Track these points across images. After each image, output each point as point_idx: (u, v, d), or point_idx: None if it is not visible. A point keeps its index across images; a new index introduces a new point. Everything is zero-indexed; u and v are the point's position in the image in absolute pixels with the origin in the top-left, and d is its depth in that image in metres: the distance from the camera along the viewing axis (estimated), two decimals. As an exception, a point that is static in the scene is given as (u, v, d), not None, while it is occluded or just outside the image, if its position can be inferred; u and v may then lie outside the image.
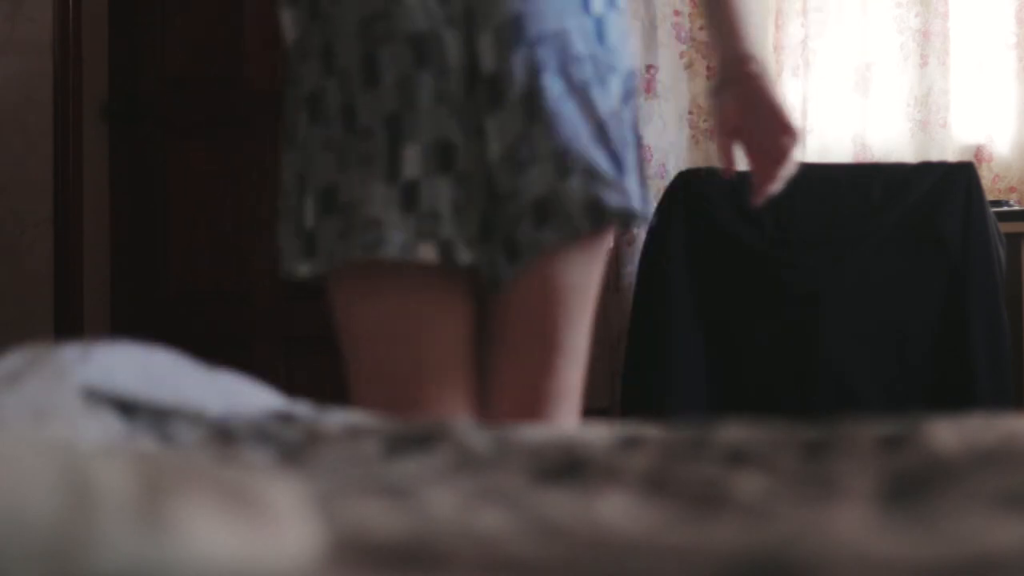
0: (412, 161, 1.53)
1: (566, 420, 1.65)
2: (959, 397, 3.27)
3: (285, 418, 1.23)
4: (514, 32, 1.54)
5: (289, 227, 1.61)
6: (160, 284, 4.49)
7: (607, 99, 1.61)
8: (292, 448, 1.12)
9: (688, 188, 3.46)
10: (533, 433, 1.11)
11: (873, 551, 0.71)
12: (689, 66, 4.40)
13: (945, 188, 3.33)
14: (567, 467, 0.99)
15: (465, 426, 1.13)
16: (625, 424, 1.14)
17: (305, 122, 1.61)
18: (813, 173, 3.54)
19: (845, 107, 4.33)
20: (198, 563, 0.66)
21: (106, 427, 1.17)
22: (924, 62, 4.27)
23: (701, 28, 4.39)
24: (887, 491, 0.89)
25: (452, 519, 0.83)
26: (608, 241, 1.63)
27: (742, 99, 1.69)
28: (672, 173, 4.02)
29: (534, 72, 1.55)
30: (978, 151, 4.27)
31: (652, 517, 0.84)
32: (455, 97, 1.55)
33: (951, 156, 4.15)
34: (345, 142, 1.57)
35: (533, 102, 1.55)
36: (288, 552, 0.70)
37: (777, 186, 1.72)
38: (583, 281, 1.60)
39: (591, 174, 1.56)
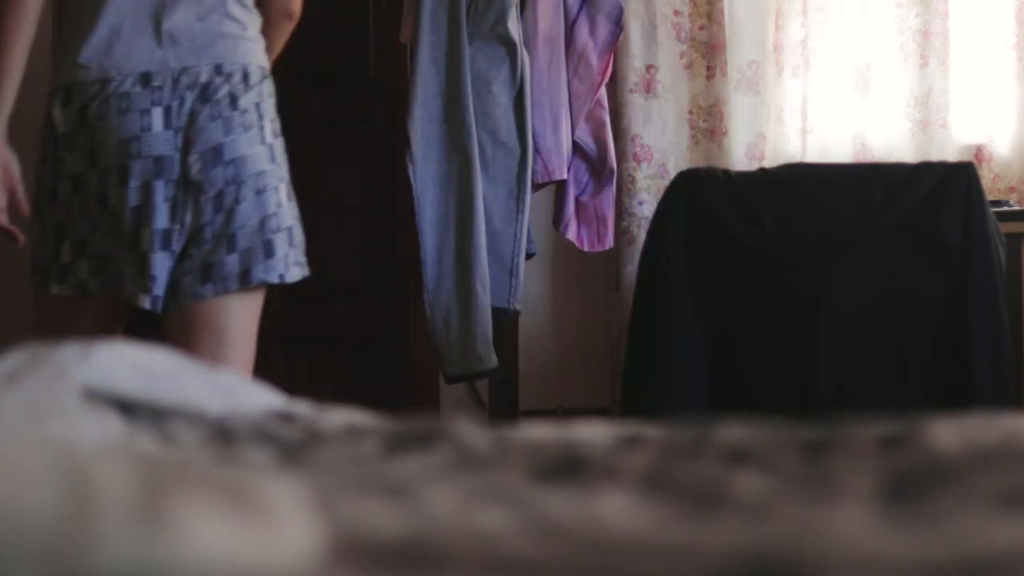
0: (146, 240, 2.33)
1: None
2: (959, 397, 3.26)
3: (285, 418, 1.23)
4: (215, 155, 2.35)
5: (48, 255, 2.42)
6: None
7: (271, 202, 2.39)
8: (292, 448, 1.12)
9: (688, 188, 3.46)
10: (533, 432, 1.11)
11: (873, 551, 0.71)
12: (689, 66, 4.40)
13: (945, 188, 3.33)
14: (567, 466, 0.99)
15: (465, 425, 1.13)
16: (625, 424, 1.14)
17: (68, 191, 2.39)
18: (813, 173, 3.54)
19: (845, 107, 4.33)
20: (198, 563, 0.66)
21: (106, 427, 1.17)
22: (924, 62, 4.27)
23: (701, 28, 4.39)
24: (887, 491, 0.89)
25: (452, 518, 0.83)
26: (261, 293, 2.44)
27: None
28: (672, 173, 4.02)
29: (225, 181, 2.35)
30: (978, 151, 4.27)
31: (652, 516, 0.84)
32: (175, 197, 2.34)
33: (951, 156, 4.15)
34: (96, 215, 2.36)
35: (221, 201, 2.35)
36: (288, 552, 0.70)
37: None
38: (238, 317, 2.42)
39: (249, 253, 2.37)
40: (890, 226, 3.33)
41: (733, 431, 1.04)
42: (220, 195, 2.35)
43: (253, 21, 2.46)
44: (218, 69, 2.38)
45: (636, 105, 4.35)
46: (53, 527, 0.65)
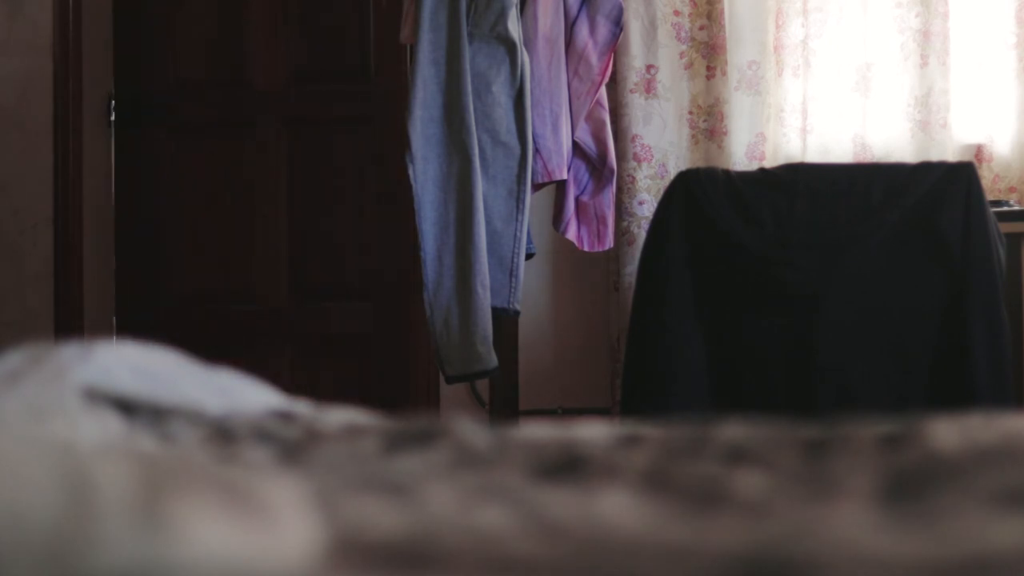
0: None
1: None
2: (959, 397, 3.26)
3: (285, 417, 1.23)
4: None
5: None
6: (164, 284, 4.49)
7: None
8: (292, 447, 1.12)
9: (688, 188, 3.46)
10: (533, 431, 1.11)
11: (872, 550, 0.71)
12: (689, 66, 4.39)
13: (945, 188, 3.33)
14: (567, 464, 0.99)
15: (465, 424, 1.13)
16: (625, 424, 1.14)
17: None
18: (813, 173, 3.53)
19: (845, 107, 4.33)
20: (198, 563, 0.66)
21: (106, 427, 1.17)
22: (924, 62, 4.27)
23: (701, 28, 4.39)
24: (887, 490, 0.89)
25: (452, 516, 0.83)
26: None
27: None
28: (672, 173, 4.02)
29: None
30: (978, 151, 4.27)
31: (652, 515, 0.84)
32: None
33: (951, 156, 4.15)
34: None
35: None
36: (288, 551, 0.70)
37: None
38: None
39: None
40: (890, 226, 3.33)
41: (733, 431, 1.04)
42: None
43: None
44: None
45: (636, 105, 4.34)
46: (53, 527, 0.65)
